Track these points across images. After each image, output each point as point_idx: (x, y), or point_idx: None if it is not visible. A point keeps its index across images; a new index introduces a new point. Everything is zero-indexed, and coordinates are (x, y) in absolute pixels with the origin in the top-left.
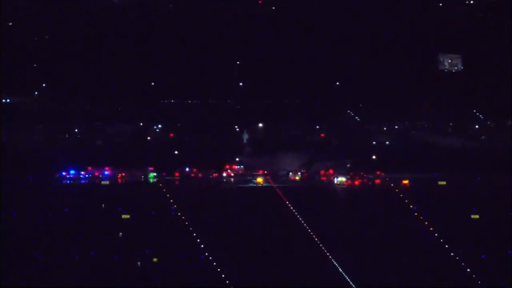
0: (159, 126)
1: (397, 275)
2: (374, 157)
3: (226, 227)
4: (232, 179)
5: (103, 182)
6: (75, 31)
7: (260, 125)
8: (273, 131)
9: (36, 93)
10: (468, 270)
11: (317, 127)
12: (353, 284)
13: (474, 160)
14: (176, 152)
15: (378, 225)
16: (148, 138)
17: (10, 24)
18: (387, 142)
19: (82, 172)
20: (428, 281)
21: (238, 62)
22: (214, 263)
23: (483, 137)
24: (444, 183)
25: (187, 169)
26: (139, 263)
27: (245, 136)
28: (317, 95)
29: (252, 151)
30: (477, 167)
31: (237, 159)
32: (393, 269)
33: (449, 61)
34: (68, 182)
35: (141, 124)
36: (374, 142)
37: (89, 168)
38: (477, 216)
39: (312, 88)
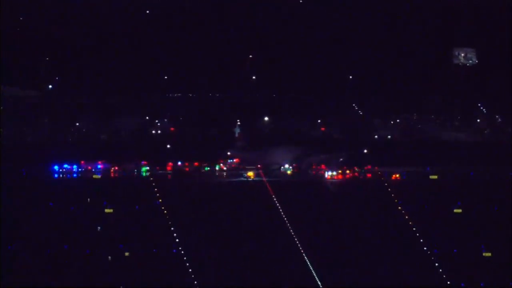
0: (165, 120)
1: (370, 272)
2: (365, 151)
3: (208, 222)
4: (224, 173)
5: (94, 176)
6: (81, 25)
7: (266, 118)
8: (272, 124)
9: (50, 86)
10: (437, 264)
11: (319, 121)
12: (321, 284)
13: (476, 154)
14: (168, 146)
15: (360, 220)
16: (153, 132)
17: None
18: (389, 136)
19: (75, 166)
20: (402, 278)
21: (250, 56)
22: (185, 258)
23: (486, 131)
24: (436, 177)
25: (179, 163)
26: (109, 257)
27: (237, 130)
28: (321, 88)
29: (244, 145)
30: (478, 161)
31: (228, 153)
32: (367, 266)
33: (463, 54)
34: (60, 176)
35: (147, 118)
36: (376, 136)
37: (82, 162)
38: (460, 211)
39: (317, 82)
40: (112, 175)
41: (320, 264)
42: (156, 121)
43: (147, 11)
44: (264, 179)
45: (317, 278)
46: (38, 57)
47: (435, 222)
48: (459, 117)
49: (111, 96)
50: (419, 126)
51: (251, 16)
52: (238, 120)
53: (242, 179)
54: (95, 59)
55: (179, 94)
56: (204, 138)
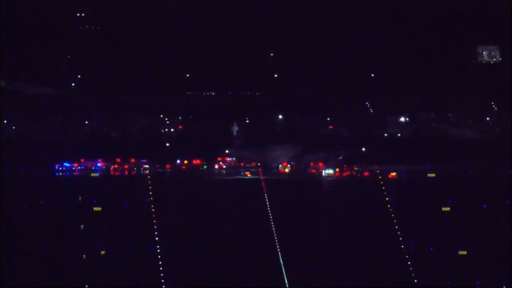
0: (176, 118)
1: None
2: (363, 149)
3: (194, 222)
4: (224, 171)
5: (92, 174)
6: (93, 24)
7: (280, 116)
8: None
9: (73, 84)
10: (409, 263)
11: (328, 119)
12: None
13: (482, 152)
14: (167, 144)
15: (346, 220)
16: (162, 130)
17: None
18: (399, 134)
19: (75, 164)
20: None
21: (272, 54)
22: (159, 256)
23: (498, 129)
24: (433, 175)
25: (178, 161)
26: (84, 255)
27: (235, 129)
28: (333, 86)
29: (243, 144)
30: (483, 159)
31: (226, 151)
32: (345, 266)
33: (487, 52)
34: (60, 174)
35: (161, 116)
36: (386, 134)
37: (82, 160)
38: (448, 209)
39: (329, 80)
40: (112, 173)
41: (294, 265)
42: (166, 119)
43: (159, 11)
44: (261, 177)
45: (286, 279)
46: (51, 55)
47: (421, 221)
48: (474, 115)
49: (121, 95)
50: (433, 124)
51: (262, 16)
52: (246, 119)
53: (239, 177)
54: (107, 58)
55: (188, 93)
56: (205, 136)
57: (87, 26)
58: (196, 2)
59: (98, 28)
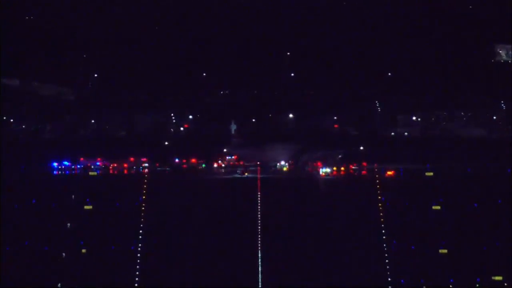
0: (190, 116)
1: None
2: (361, 148)
3: (181, 221)
4: (222, 170)
5: (90, 173)
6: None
7: (291, 115)
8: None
9: (90, 84)
10: (387, 261)
11: (335, 118)
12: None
13: (490, 151)
14: (166, 143)
15: (336, 218)
16: (172, 129)
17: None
18: (406, 133)
19: (74, 163)
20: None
21: (288, 53)
22: (138, 254)
23: (509, 127)
24: (431, 174)
25: (177, 160)
26: (64, 254)
27: (233, 127)
28: (340, 85)
29: (241, 142)
30: (489, 158)
31: (225, 150)
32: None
33: (505, 52)
34: (59, 173)
35: (172, 115)
36: (392, 133)
37: (82, 159)
38: (438, 207)
39: (338, 79)
40: (111, 172)
41: (273, 265)
42: (173, 118)
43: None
44: (258, 176)
45: (260, 279)
46: (59, 54)
47: (410, 219)
48: (483, 114)
49: (128, 93)
50: (444, 123)
51: (267, 16)
52: (252, 119)
53: (236, 176)
54: (112, 57)
55: (198, 92)
56: (207, 135)
57: (95, 25)
58: (203, 1)
59: (104, 27)
